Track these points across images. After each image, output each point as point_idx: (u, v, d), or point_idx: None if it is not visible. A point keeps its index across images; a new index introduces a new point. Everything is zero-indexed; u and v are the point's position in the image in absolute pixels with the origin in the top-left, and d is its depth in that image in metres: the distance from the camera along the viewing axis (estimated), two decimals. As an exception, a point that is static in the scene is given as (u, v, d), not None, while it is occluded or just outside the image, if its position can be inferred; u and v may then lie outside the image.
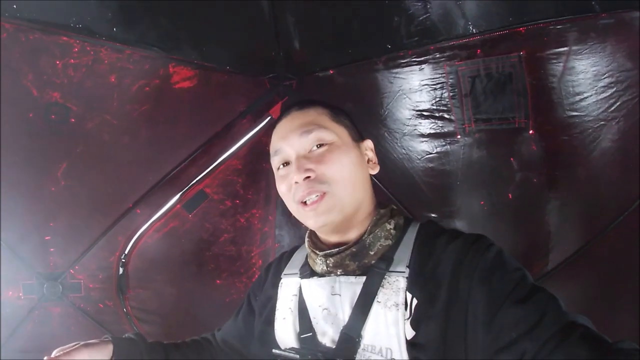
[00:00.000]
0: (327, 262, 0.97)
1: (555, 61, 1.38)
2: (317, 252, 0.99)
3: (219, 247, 2.06)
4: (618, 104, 1.33)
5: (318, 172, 0.94)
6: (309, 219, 0.97)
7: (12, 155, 1.64)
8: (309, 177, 0.94)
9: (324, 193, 0.93)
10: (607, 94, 1.34)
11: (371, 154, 1.05)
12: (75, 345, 1.02)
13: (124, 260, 1.91)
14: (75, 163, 1.73)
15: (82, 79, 1.61)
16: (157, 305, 1.99)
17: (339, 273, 0.96)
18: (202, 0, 1.56)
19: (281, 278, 1.09)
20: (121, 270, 1.91)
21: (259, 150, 2.01)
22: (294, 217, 1.02)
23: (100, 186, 1.80)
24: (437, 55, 1.57)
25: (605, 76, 1.33)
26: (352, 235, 0.99)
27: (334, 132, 0.98)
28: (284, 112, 1.05)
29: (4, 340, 1.79)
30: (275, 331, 1.02)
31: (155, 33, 1.61)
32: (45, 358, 0.98)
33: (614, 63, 1.31)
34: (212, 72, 1.81)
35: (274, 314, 1.04)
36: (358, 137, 1.04)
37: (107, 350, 1.04)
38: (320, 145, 0.96)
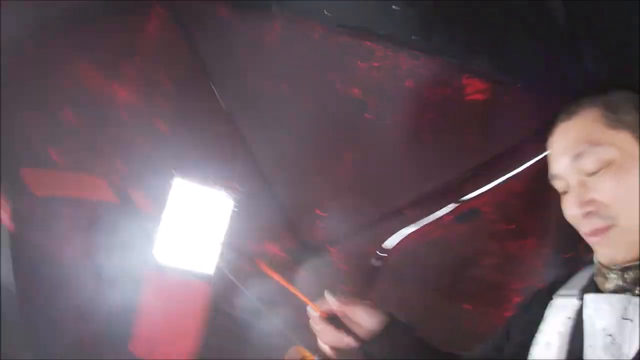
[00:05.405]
0: (625, 276, 0.80)
1: None
2: (611, 266, 0.82)
3: (479, 270, 1.98)
4: None
5: (599, 203, 0.79)
6: (595, 251, 0.84)
7: (305, 137, 1.88)
8: (590, 211, 0.80)
9: (608, 226, 0.78)
10: None
11: None
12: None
13: (382, 255, 2.00)
14: (361, 153, 1.89)
15: (381, 80, 1.75)
16: (396, 309, 2.04)
17: (636, 292, 0.78)
18: (500, 14, 1.44)
19: (553, 298, 0.95)
20: (377, 263, 2.01)
21: (545, 176, 1.82)
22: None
23: (379, 179, 1.92)
24: None
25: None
26: None
27: (613, 145, 0.79)
28: (555, 123, 0.90)
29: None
30: (530, 357, 0.90)
31: (452, 44, 1.60)
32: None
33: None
34: (505, 88, 1.73)
35: (534, 338, 0.92)
36: None
37: (381, 320, 1.08)
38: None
